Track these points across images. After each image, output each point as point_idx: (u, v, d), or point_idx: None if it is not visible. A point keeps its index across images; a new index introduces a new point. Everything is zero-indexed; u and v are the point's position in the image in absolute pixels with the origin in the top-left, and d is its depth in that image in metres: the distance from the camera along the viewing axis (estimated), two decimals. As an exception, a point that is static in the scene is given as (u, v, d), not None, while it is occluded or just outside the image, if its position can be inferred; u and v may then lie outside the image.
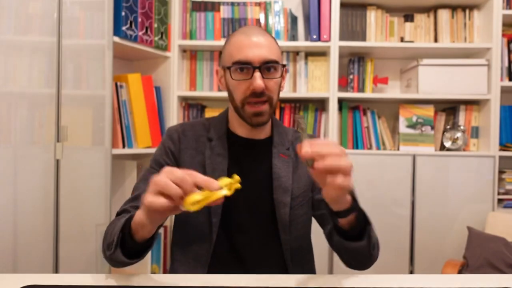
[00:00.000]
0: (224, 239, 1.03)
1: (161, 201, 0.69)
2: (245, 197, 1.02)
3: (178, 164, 1.08)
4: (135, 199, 1.00)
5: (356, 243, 0.85)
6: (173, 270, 1.07)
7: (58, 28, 1.53)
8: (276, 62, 1.02)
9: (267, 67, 1.01)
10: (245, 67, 1.01)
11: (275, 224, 1.04)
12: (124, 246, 0.81)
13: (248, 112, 1.03)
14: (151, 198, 0.70)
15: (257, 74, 0.99)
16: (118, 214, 1.00)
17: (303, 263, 1.09)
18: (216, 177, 0.97)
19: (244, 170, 1.05)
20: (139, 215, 0.77)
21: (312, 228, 1.12)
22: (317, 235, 1.11)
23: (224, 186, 0.71)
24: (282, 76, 1.08)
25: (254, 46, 1.01)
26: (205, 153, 1.08)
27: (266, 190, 1.06)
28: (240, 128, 1.10)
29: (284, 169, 1.07)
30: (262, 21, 2.33)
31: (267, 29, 2.31)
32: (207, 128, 1.12)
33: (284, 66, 1.06)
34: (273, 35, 2.30)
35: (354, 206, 0.81)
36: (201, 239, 1.03)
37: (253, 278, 0.81)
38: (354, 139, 2.32)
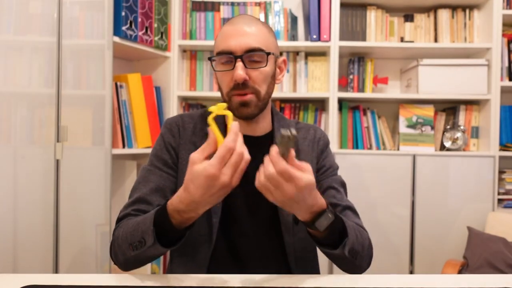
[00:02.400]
0: (223, 242, 0.99)
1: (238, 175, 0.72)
2: (246, 198, 0.98)
3: (177, 160, 1.03)
4: (137, 202, 0.96)
5: (330, 251, 0.83)
6: (170, 272, 1.03)
7: (58, 28, 1.53)
8: (261, 50, 0.95)
9: (250, 56, 0.95)
10: (227, 57, 0.95)
11: (278, 227, 0.99)
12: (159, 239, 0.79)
13: (235, 103, 0.97)
14: (235, 180, 0.72)
15: (239, 64, 0.93)
16: (120, 219, 0.95)
17: (307, 266, 1.04)
18: None
19: (246, 169, 1.02)
20: (188, 203, 0.74)
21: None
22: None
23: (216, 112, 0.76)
24: (278, 67, 1.03)
25: (238, 35, 0.95)
26: None
27: None
28: None
29: None
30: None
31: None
32: (205, 120, 1.02)
33: (268, 54, 0.96)
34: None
35: (314, 221, 0.79)
36: (200, 241, 0.98)
37: (253, 278, 0.81)
38: (354, 139, 2.32)
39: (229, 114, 0.76)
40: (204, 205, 0.74)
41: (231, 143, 0.71)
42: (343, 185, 1.07)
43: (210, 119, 0.74)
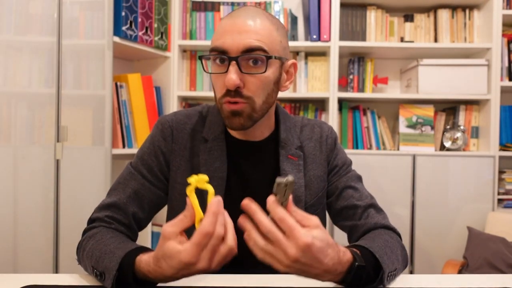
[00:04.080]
0: None
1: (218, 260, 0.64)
2: None
3: (168, 167, 0.94)
4: (112, 207, 0.90)
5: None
6: None
7: (58, 28, 1.53)
8: (261, 50, 0.81)
9: (249, 58, 0.81)
10: (220, 57, 0.82)
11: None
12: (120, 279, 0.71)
13: (226, 111, 0.85)
14: (216, 264, 0.64)
15: (232, 68, 0.80)
16: (92, 220, 0.90)
17: None
18: (214, 185, 0.87)
19: (246, 177, 0.92)
20: (162, 271, 0.66)
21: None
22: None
23: (195, 185, 0.67)
24: (285, 72, 0.90)
25: (235, 30, 0.81)
26: (200, 155, 0.92)
27: None
28: None
29: (294, 173, 0.92)
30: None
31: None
32: (203, 120, 0.97)
33: (269, 58, 0.82)
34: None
35: (346, 280, 0.68)
36: None
37: (253, 278, 0.81)
38: (354, 139, 2.32)
39: (210, 189, 0.65)
40: (174, 279, 0.67)
41: (208, 227, 0.61)
42: (360, 179, 1.01)
43: (189, 191, 0.66)
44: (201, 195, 0.67)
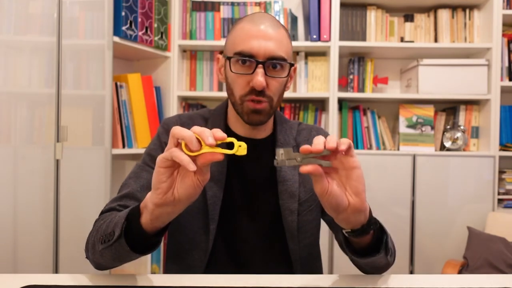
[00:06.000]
0: (222, 248, 0.96)
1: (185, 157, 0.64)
2: (247, 202, 0.96)
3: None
4: (125, 198, 0.92)
5: (373, 257, 0.77)
6: None
7: (58, 28, 1.53)
8: (284, 59, 0.91)
9: (272, 63, 0.90)
10: (247, 60, 0.90)
11: (281, 232, 0.97)
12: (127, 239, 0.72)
13: (247, 109, 0.92)
14: (177, 155, 0.65)
15: (260, 71, 0.88)
16: (104, 212, 0.91)
17: (312, 272, 1.02)
18: (215, 179, 0.94)
19: (245, 173, 0.98)
20: (157, 204, 0.68)
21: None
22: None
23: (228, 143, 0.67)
24: (289, 76, 0.99)
25: (261, 37, 0.89)
26: None
27: (270, 195, 0.98)
28: (238, 126, 1.00)
29: (289, 171, 0.99)
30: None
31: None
32: (206, 122, 1.04)
33: (292, 65, 0.94)
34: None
35: (370, 222, 0.73)
36: (195, 247, 0.95)
37: (253, 279, 0.81)
38: (354, 139, 2.32)
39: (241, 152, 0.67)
40: (155, 207, 0.69)
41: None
42: None
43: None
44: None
